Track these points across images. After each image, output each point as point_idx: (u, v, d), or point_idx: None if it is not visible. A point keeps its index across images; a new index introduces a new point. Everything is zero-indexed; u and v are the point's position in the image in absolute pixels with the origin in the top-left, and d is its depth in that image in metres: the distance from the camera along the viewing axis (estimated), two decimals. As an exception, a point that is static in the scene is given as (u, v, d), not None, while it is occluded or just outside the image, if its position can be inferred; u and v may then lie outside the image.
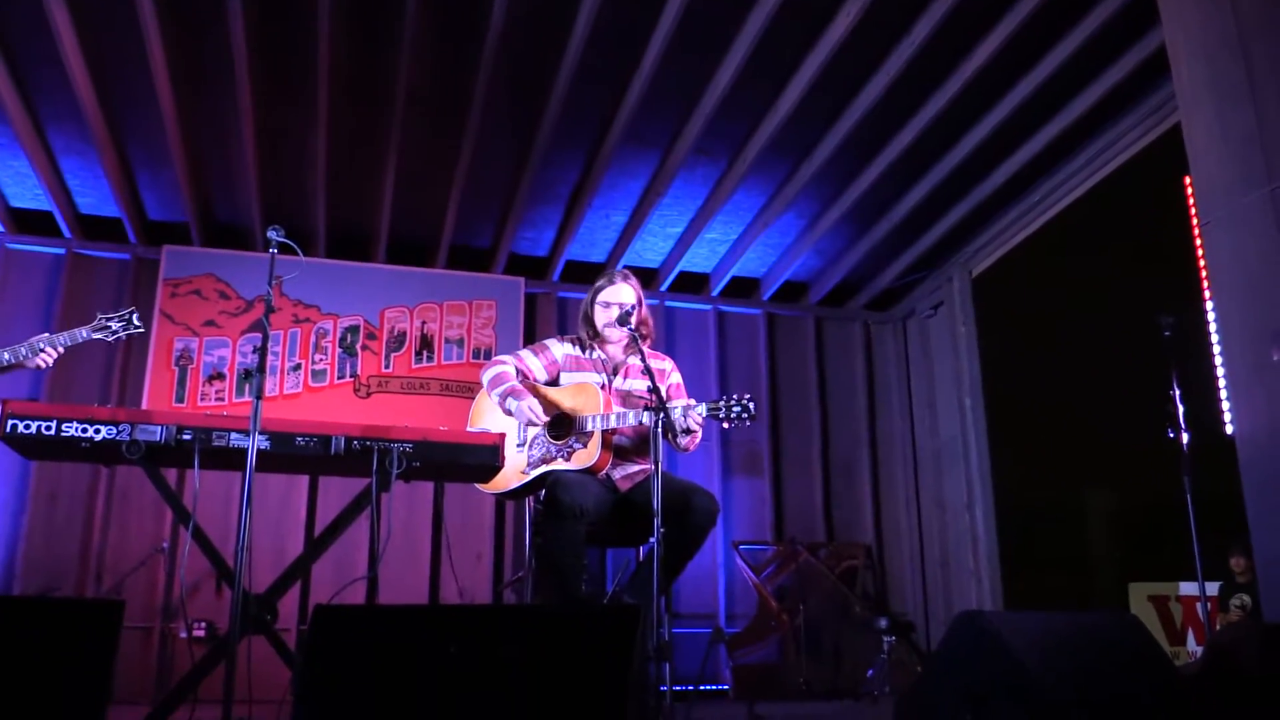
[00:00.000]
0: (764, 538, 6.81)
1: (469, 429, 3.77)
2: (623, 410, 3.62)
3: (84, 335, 3.52)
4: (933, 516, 6.99)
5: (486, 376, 3.86)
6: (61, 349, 3.48)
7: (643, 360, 3.51)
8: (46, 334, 3.51)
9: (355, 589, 3.56)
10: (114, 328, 3.57)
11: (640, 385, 3.77)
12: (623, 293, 3.80)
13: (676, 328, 7.13)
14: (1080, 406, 5.73)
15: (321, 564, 3.72)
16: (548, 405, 3.78)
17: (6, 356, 3.42)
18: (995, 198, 6.07)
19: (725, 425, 3.52)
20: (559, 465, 3.64)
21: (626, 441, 3.74)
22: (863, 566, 6.77)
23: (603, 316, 3.79)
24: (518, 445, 3.74)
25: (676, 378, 3.97)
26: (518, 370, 3.86)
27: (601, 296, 3.81)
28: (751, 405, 3.48)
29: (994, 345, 6.62)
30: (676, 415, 3.51)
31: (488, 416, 3.88)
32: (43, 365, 3.46)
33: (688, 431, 3.59)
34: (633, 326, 3.66)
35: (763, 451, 7.04)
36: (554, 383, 3.92)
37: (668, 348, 6.89)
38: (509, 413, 3.72)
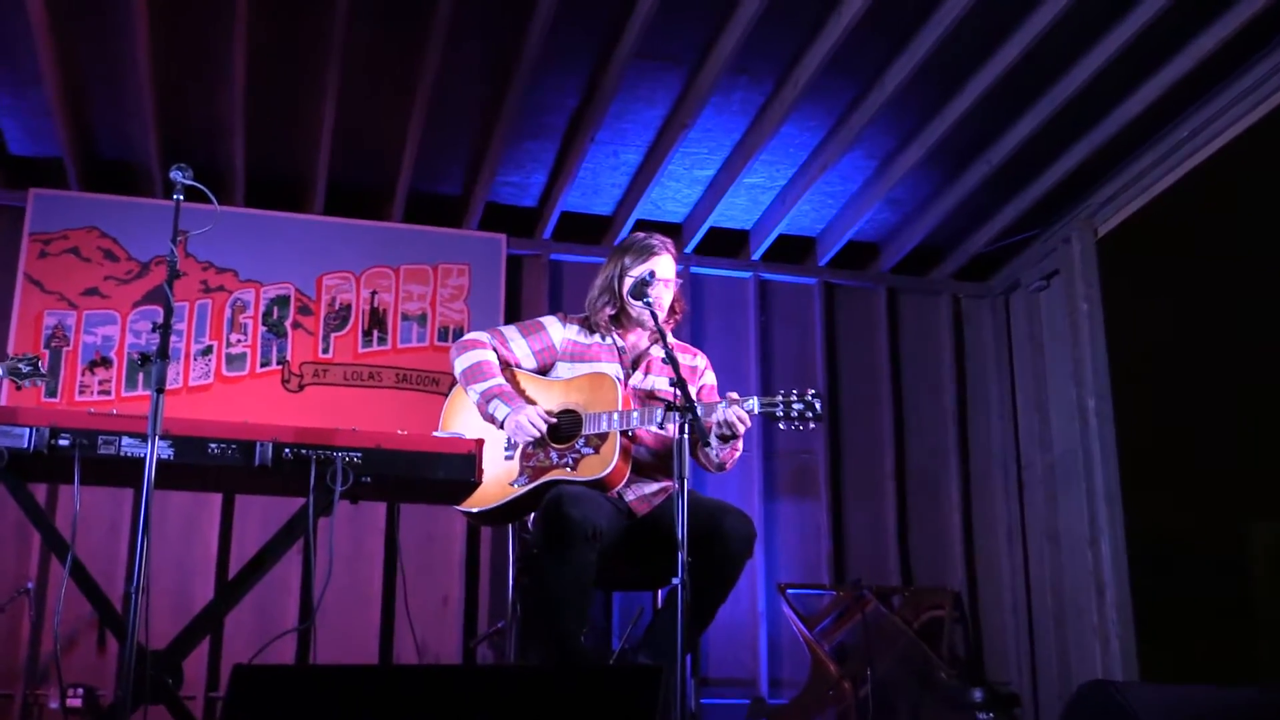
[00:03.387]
0: (819, 579, 6.80)
1: (438, 433, 3.77)
2: (645, 409, 3.64)
3: None
4: (1043, 554, 6.96)
5: (460, 365, 3.87)
6: None
7: (665, 349, 3.52)
8: None
9: (284, 644, 3.57)
10: (24, 370, 4.02)
11: (667, 384, 3.80)
12: (666, 265, 3.87)
13: (705, 301, 7.11)
14: (1242, 411, 5.69)
15: (240, 611, 3.72)
16: (546, 400, 3.79)
17: None
18: (1128, 133, 6.02)
19: (781, 427, 3.56)
20: (560, 475, 3.65)
21: (646, 454, 3.76)
22: (950, 619, 6.75)
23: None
24: (505, 451, 3.75)
25: (710, 378, 4.03)
26: (498, 356, 3.87)
27: (640, 270, 3.86)
28: (817, 404, 3.53)
29: (1126, 328, 6.58)
30: (716, 415, 3.53)
31: (463, 416, 3.89)
32: None
33: (728, 437, 3.62)
34: (651, 302, 3.66)
35: (818, 465, 7.02)
36: (543, 372, 3.94)
37: (694, 328, 6.87)
38: (493, 420, 3.74)
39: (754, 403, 3.61)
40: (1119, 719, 2.58)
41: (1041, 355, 7.16)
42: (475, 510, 3.78)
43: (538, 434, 3.69)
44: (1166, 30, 5.27)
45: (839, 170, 6.41)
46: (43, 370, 4.20)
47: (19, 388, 4.33)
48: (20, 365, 4.07)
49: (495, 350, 3.92)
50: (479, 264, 6.70)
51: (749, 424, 3.63)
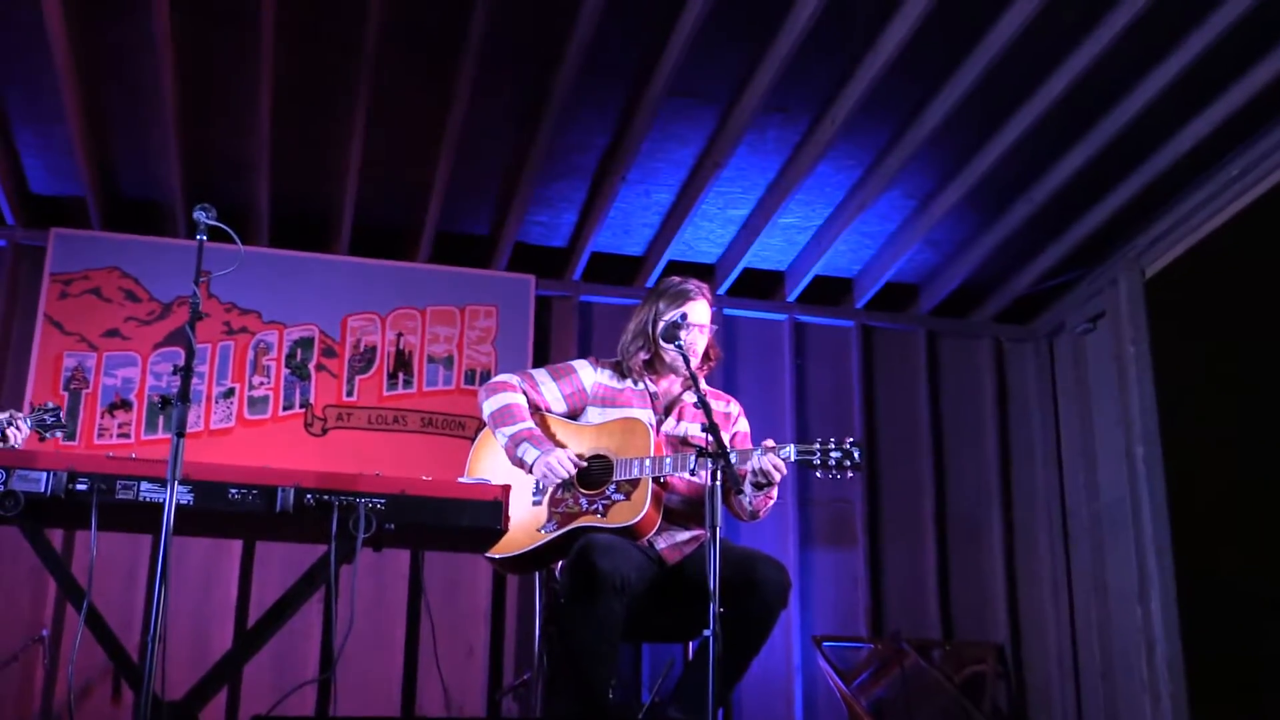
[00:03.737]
0: (856, 632, 6.74)
1: (464, 478, 3.76)
2: (678, 455, 3.65)
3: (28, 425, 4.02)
4: (1090, 607, 6.89)
5: (489, 407, 3.88)
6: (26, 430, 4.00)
7: (697, 395, 3.52)
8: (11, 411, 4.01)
9: (304, 694, 3.56)
10: (48, 421, 4.13)
11: (699, 431, 3.81)
12: (701, 310, 3.89)
13: (739, 344, 7.09)
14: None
15: (259, 660, 3.71)
16: (576, 445, 3.80)
17: None
18: (1176, 171, 5.99)
19: (819, 475, 3.56)
20: (590, 521, 3.65)
21: (678, 501, 3.76)
22: (993, 674, 6.68)
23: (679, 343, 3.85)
24: (533, 496, 3.75)
25: (743, 425, 4.04)
26: (528, 399, 3.88)
27: (673, 315, 3.88)
28: (856, 453, 3.54)
29: (1176, 372, 6.51)
30: (752, 463, 3.53)
31: (490, 460, 3.89)
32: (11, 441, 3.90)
33: (763, 485, 3.61)
34: (683, 345, 3.67)
35: (855, 512, 6.98)
36: (572, 416, 3.96)
37: (727, 370, 6.85)
38: (521, 464, 3.75)
39: (790, 450, 3.60)
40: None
41: (1087, 400, 7.11)
42: (502, 556, 3.77)
43: (566, 475, 3.69)
44: (1216, 66, 5.25)
45: (877, 210, 6.39)
46: (63, 420, 4.26)
47: (42, 439, 4.38)
48: (45, 417, 4.13)
49: (525, 393, 3.93)
50: (507, 305, 6.70)
51: (785, 472, 3.63)
